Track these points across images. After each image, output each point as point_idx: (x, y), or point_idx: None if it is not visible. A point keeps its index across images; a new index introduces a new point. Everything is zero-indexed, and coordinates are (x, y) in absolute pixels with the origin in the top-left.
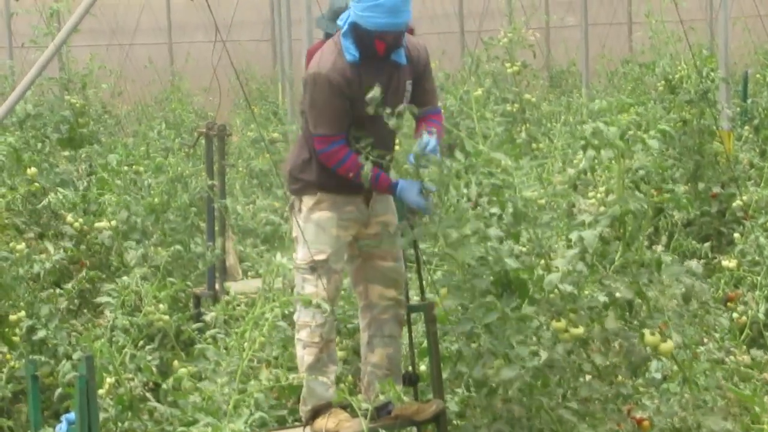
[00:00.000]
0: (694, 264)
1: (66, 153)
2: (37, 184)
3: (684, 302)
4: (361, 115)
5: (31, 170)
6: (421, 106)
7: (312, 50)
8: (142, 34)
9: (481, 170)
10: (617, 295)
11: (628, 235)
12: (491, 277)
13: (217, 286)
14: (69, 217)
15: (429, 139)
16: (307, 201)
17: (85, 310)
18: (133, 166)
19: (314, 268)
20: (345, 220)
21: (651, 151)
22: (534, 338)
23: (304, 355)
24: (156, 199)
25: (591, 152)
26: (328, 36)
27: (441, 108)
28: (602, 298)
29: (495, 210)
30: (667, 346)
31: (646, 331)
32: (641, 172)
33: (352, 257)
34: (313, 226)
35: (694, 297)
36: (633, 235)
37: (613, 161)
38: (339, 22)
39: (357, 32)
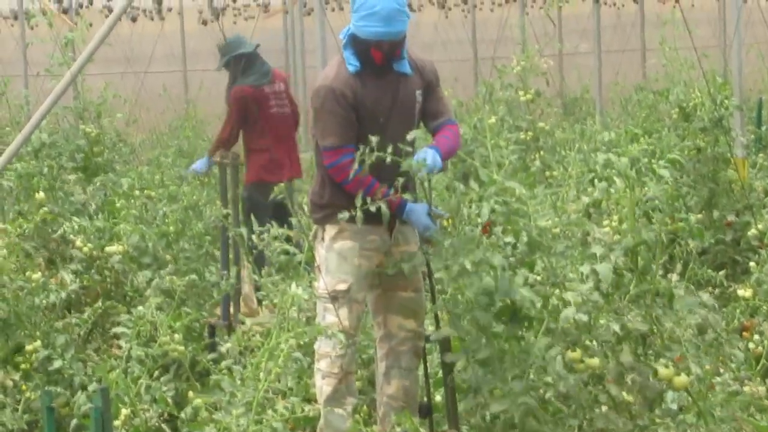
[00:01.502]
0: (706, 296)
1: (78, 180)
2: (46, 209)
3: (699, 333)
4: (369, 130)
5: (40, 195)
6: (434, 117)
7: None
8: (156, 62)
9: (495, 198)
10: (630, 326)
11: (642, 266)
12: (496, 307)
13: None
14: (78, 241)
15: (426, 150)
16: (330, 230)
17: (98, 339)
18: (145, 191)
19: (336, 297)
20: (367, 249)
21: (665, 180)
22: (541, 369)
23: (323, 386)
24: (171, 227)
25: (603, 183)
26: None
27: (455, 120)
28: (616, 328)
29: (509, 239)
30: (682, 380)
31: (661, 364)
32: (654, 202)
33: (372, 287)
34: (336, 256)
35: (712, 328)
36: (646, 266)
37: (625, 191)
38: (339, 35)
39: (355, 42)
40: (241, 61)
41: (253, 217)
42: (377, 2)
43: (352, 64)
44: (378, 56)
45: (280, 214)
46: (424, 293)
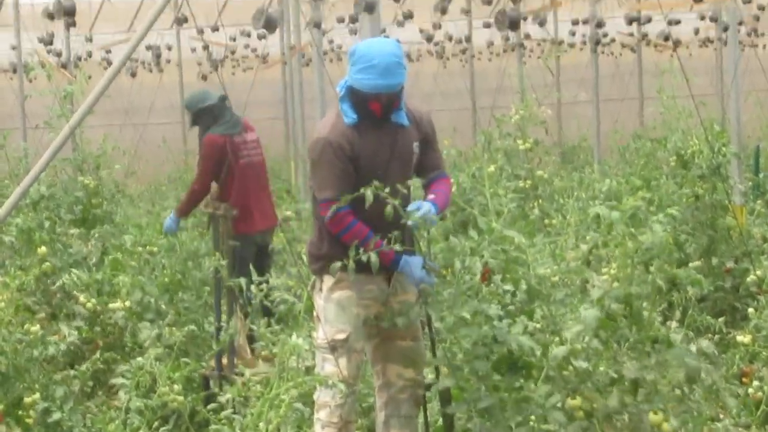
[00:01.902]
0: (705, 344)
1: (77, 232)
2: (48, 263)
3: (688, 382)
4: (367, 182)
5: (42, 249)
6: (428, 170)
7: None
8: (155, 113)
9: (494, 247)
10: (623, 372)
11: (634, 315)
12: (494, 357)
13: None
14: (82, 298)
15: (421, 203)
16: (328, 280)
17: (100, 392)
18: (147, 247)
19: (335, 347)
20: (365, 299)
21: (664, 228)
22: (542, 418)
23: None
24: (168, 279)
25: (596, 235)
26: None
27: (448, 174)
28: (612, 374)
29: (508, 287)
30: (668, 427)
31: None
32: (652, 251)
33: (370, 336)
34: (334, 306)
35: (707, 376)
36: (638, 315)
37: (621, 241)
38: (336, 88)
39: (353, 95)
40: (208, 114)
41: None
42: (375, 55)
43: (350, 116)
44: (377, 108)
45: (262, 263)
46: (422, 342)
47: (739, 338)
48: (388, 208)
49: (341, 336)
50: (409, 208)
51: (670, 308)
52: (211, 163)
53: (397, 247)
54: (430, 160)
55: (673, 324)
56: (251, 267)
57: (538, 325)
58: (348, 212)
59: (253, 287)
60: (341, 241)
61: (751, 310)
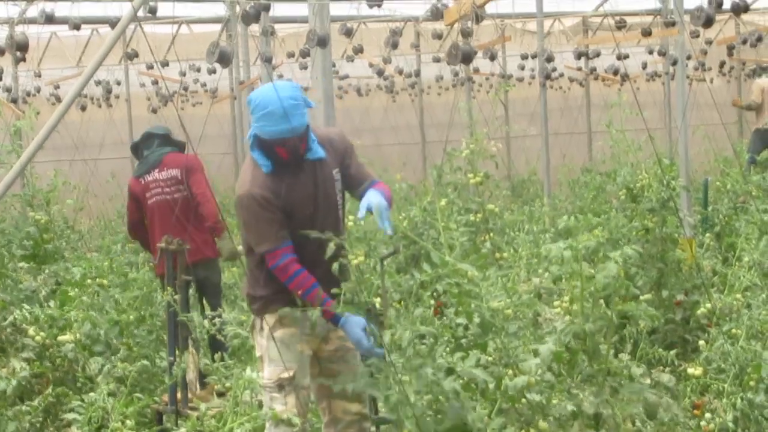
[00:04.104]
0: (666, 377)
1: (28, 267)
2: None
3: (648, 417)
4: (299, 222)
5: None
6: (358, 184)
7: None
8: (105, 148)
9: (447, 280)
10: (584, 405)
11: (591, 347)
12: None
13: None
14: (31, 330)
15: (364, 202)
16: (269, 319)
17: (51, 427)
18: (97, 279)
19: (281, 386)
20: (307, 334)
21: (620, 266)
22: None
23: None
24: (122, 315)
25: (554, 268)
26: None
27: (379, 180)
28: (570, 407)
29: (461, 320)
30: None
31: None
32: (605, 290)
33: (313, 374)
34: (277, 344)
35: (665, 411)
36: (595, 349)
37: (575, 276)
38: (246, 138)
39: (260, 143)
40: (135, 152)
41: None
42: (269, 102)
43: (264, 164)
44: (283, 153)
45: (200, 296)
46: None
47: (691, 370)
48: (330, 246)
49: (287, 374)
50: (359, 214)
51: (621, 341)
52: (129, 202)
53: (338, 302)
54: (356, 175)
55: (625, 357)
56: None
57: (491, 358)
58: (292, 260)
59: (205, 321)
60: (287, 287)
61: (702, 342)
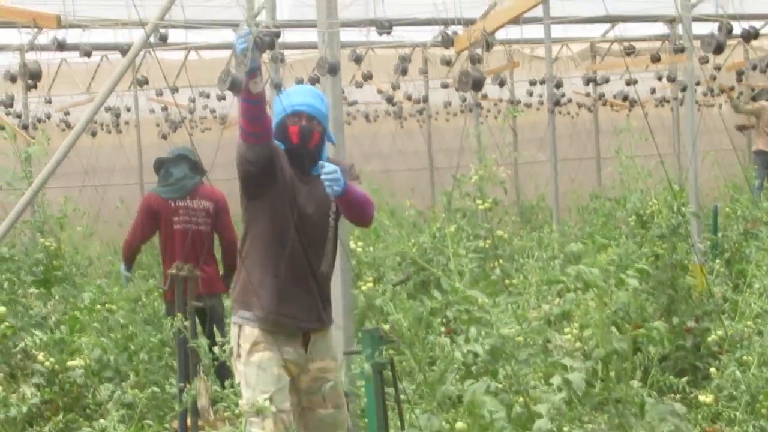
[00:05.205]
0: (677, 405)
1: (37, 293)
2: (8, 324)
3: None
4: (287, 227)
5: (1, 310)
6: None
7: None
8: (115, 174)
9: (457, 307)
10: None
11: (613, 374)
12: None
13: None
14: (40, 356)
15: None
16: (245, 344)
17: None
18: (106, 305)
19: (260, 411)
20: (284, 360)
21: (629, 289)
22: None
23: None
24: (130, 342)
25: (571, 294)
26: None
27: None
28: None
29: (471, 347)
30: None
31: None
32: (620, 313)
33: (291, 405)
34: (254, 369)
35: None
36: (618, 374)
37: (591, 300)
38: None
39: (279, 130)
40: (161, 167)
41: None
42: (295, 90)
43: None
44: (295, 134)
45: (209, 329)
46: (345, 408)
47: (702, 398)
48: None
49: (264, 398)
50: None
51: (632, 368)
52: (141, 216)
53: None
54: None
55: (635, 384)
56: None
57: (501, 385)
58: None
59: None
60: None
61: (713, 369)
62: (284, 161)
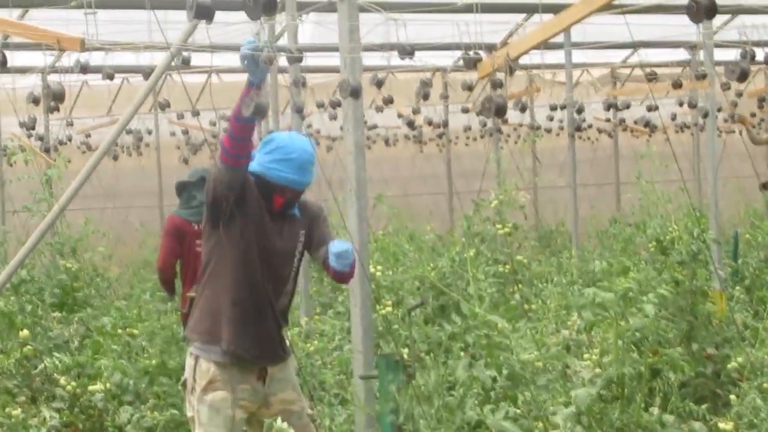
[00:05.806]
0: (697, 426)
1: (59, 316)
2: (29, 347)
3: None
4: (253, 262)
5: (23, 333)
6: (322, 243)
7: None
8: (136, 197)
9: (477, 332)
10: None
11: (626, 397)
12: None
13: None
14: (62, 380)
15: (333, 245)
16: (201, 380)
17: None
18: (127, 329)
19: None
20: (241, 399)
21: (647, 314)
22: None
23: None
24: (150, 361)
25: (588, 315)
26: None
27: None
28: None
29: (491, 372)
30: None
31: None
32: (637, 335)
33: None
34: (207, 408)
35: None
36: (630, 397)
37: (609, 323)
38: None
39: (260, 182)
40: (184, 190)
41: None
42: (295, 150)
43: None
44: (279, 202)
45: None
46: None
47: (722, 425)
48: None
49: None
50: (330, 260)
51: (651, 394)
52: (169, 239)
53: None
54: (318, 238)
55: (655, 411)
56: None
57: (520, 411)
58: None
59: None
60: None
61: (732, 396)
62: (255, 190)
